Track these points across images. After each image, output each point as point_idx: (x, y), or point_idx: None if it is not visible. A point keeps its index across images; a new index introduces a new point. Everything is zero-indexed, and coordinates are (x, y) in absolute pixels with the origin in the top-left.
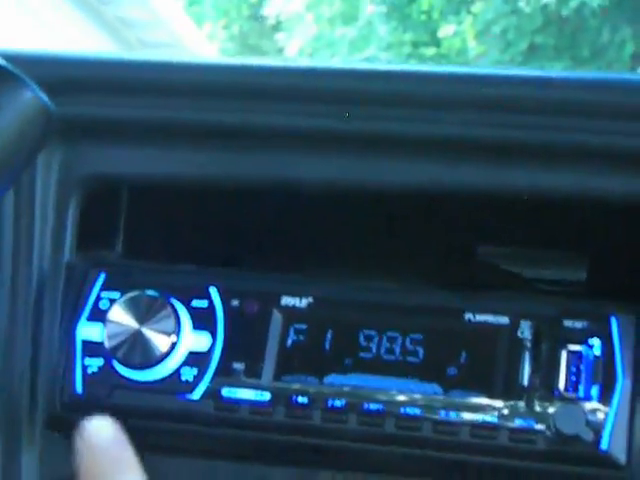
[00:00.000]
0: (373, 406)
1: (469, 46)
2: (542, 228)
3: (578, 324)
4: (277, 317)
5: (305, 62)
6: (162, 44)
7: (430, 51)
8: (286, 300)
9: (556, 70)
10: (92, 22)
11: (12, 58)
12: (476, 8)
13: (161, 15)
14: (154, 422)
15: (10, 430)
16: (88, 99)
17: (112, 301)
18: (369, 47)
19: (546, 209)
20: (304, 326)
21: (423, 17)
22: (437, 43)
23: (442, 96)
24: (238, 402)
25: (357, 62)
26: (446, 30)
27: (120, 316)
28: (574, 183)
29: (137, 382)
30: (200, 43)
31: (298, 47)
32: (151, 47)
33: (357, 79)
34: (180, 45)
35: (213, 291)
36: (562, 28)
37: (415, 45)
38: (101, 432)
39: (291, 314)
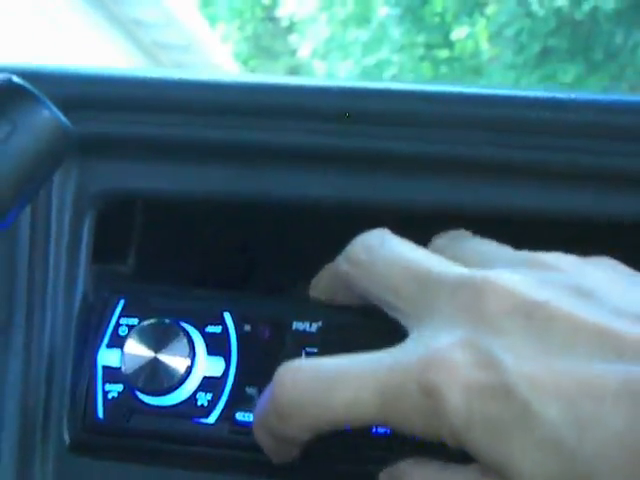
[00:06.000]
0: (381, 429)
1: (482, 48)
2: (558, 247)
3: None
4: (289, 342)
5: (313, 80)
6: (176, 46)
7: (443, 53)
8: (297, 325)
9: (568, 91)
10: (106, 24)
11: (26, 75)
12: (489, 10)
13: (175, 16)
14: (171, 445)
15: (25, 454)
16: (102, 116)
17: (130, 327)
18: (382, 49)
19: (560, 229)
20: (315, 350)
21: (436, 19)
22: (450, 45)
23: (452, 116)
24: (252, 425)
25: (367, 82)
26: (459, 32)
27: (136, 345)
28: (587, 205)
29: (155, 407)
30: (214, 44)
31: (311, 49)
32: (165, 49)
33: (366, 98)
34: (194, 47)
35: (227, 317)
36: (575, 31)
37: (428, 47)
38: None
39: (302, 338)
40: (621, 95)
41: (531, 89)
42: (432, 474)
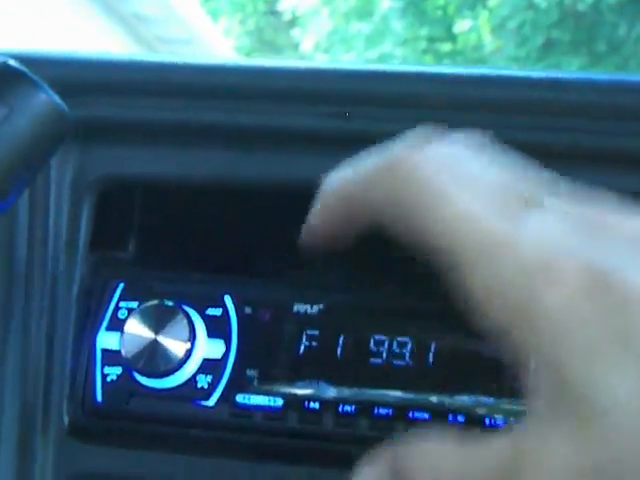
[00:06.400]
0: (383, 411)
1: (485, 41)
2: None
3: None
4: (289, 324)
5: (314, 63)
6: (178, 40)
7: (446, 46)
8: (298, 307)
9: (569, 71)
10: (108, 18)
11: (24, 59)
12: (492, 3)
13: (177, 11)
14: (171, 428)
15: (25, 437)
16: (101, 100)
17: (130, 310)
18: (384, 42)
19: None
20: (316, 332)
21: (439, 12)
22: (453, 38)
23: (452, 98)
24: (252, 408)
25: (368, 63)
26: (462, 25)
27: (136, 327)
28: (589, 185)
29: (154, 389)
30: (216, 39)
31: (313, 42)
32: (167, 43)
33: (368, 80)
34: (196, 41)
35: (227, 299)
36: (578, 23)
37: (431, 40)
38: None
39: (303, 321)
40: (623, 75)
41: (533, 70)
42: (449, 455)
